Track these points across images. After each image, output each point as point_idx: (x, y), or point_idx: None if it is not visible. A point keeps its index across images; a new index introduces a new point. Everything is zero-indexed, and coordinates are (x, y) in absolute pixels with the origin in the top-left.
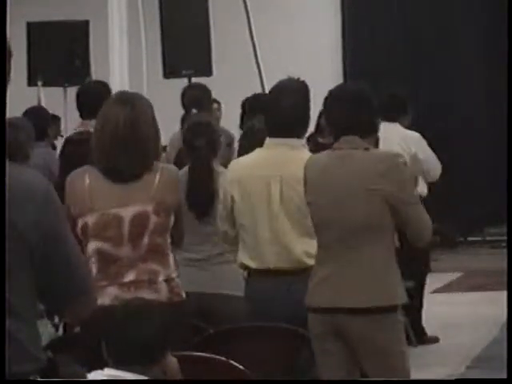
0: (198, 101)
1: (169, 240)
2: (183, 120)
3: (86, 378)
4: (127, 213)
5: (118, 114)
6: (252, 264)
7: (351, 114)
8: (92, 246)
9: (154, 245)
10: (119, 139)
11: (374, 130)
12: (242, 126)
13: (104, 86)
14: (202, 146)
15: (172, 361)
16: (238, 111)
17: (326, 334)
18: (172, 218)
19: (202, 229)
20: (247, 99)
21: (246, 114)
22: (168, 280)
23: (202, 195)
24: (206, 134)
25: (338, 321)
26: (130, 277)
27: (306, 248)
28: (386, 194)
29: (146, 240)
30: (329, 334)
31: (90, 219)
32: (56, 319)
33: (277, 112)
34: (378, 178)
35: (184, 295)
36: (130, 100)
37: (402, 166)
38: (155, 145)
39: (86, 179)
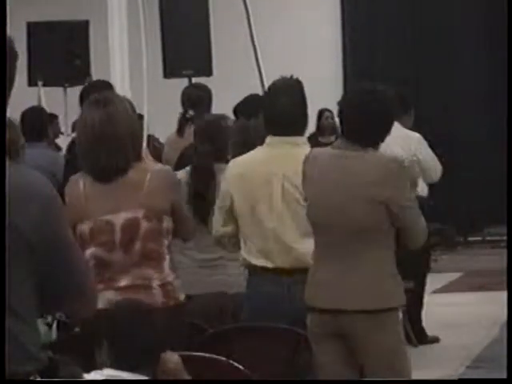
0: (196, 101)
1: (166, 243)
2: (180, 120)
3: (83, 378)
4: (118, 219)
5: (93, 114)
6: (254, 262)
7: (362, 122)
8: (88, 251)
9: (146, 250)
10: (97, 138)
11: (381, 140)
12: None
13: (108, 86)
14: (204, 149)
15: (171, 359)
16: None
17: (326, 333)
18: (166, 222)
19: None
20: (237, 105)
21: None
22: (163, 284)
23: (203, 200)
24: (212, 137)
25: (339, 322)
26: (124, 282)
27: (308, 247)
28: (382, 199)
29: (137, 246)
30: (329, 334)
31: (87, 225)
32: (49, 318)
33: (276, 110)
34: (374, 183)
35: (182, 298)
36: (103, 100)
37: (398, 170)
38: (134, 140)
39: (80, 185)
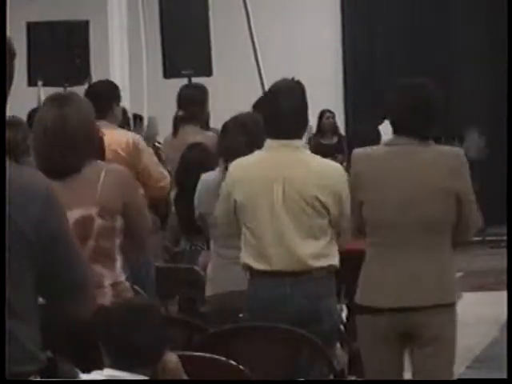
0: (191, 100)
1: (117, 243)
2: (174, 120)
3: (79, 377)
4: (71, 216)
5: (47, 114)
6: (255, 265)
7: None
8: None
9: (100, 248)
10: (49, 138)
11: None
12: None
13: (111, 86)
14: (239, 142)
15: (171, 359)
16: (238, 111)
17: (388, 334)
18: (119, 221)
19: None
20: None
21: None
22: (114, 284)
23: None
24: (246, 129)
25: (412, 321)
26: None
27: (310, 250)
28: (457, 191)
29: (91, 243)
30: (391, 335)
31: None
32: None
33: (276, 113)
34: (450, 175)
35: None
36: (59, 99)
37: (466, 163)
38: (89, 139)
39: None
